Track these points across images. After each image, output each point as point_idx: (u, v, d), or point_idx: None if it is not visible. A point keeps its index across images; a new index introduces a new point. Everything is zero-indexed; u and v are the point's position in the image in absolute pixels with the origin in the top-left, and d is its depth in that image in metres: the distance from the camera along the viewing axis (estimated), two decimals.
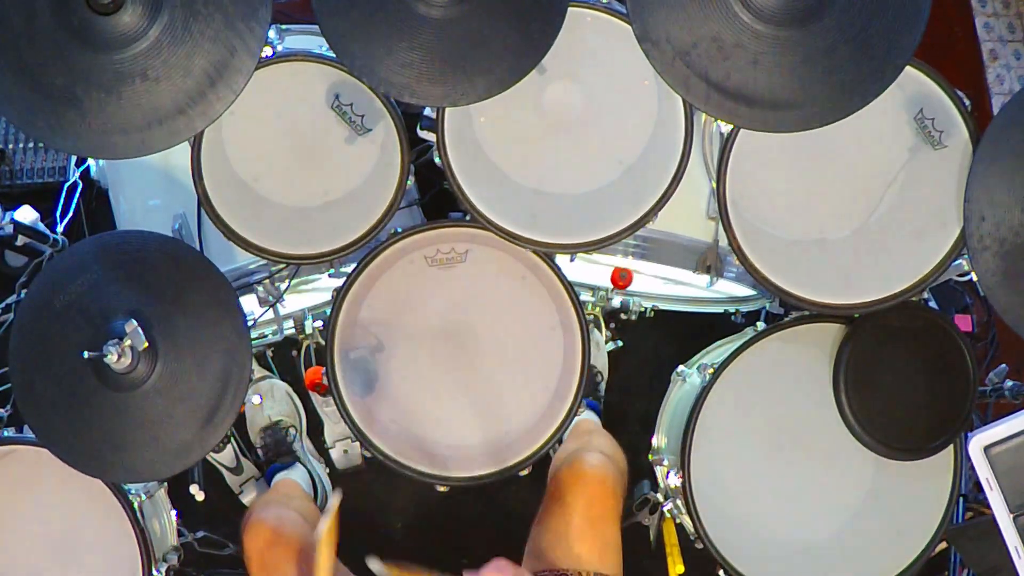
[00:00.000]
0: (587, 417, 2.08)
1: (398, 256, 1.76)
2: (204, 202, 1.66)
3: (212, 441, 1.50)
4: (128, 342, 1.40)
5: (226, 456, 2.06)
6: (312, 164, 1.72)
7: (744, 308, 2.10)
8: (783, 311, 1.96)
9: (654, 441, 1.96)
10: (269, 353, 2.22)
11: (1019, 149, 1.56)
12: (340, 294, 1.72)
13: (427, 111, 1.68)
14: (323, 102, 1.69)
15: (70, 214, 2.29)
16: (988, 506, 1.43)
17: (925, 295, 1.78)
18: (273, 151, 1.72)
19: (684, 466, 1.73)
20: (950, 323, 1.74)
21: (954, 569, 1.80)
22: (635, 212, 1.68)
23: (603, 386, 2.24)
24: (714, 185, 1.68)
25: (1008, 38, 2.81)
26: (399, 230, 1.72)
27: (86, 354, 1.39)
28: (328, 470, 2.19)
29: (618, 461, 1.79)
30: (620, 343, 2.26)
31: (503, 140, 1.71)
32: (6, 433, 1.68)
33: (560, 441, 1.80)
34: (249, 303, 1.79)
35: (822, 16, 1.45)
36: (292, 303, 2.03)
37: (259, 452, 2.17)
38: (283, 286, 1.83)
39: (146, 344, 1.42)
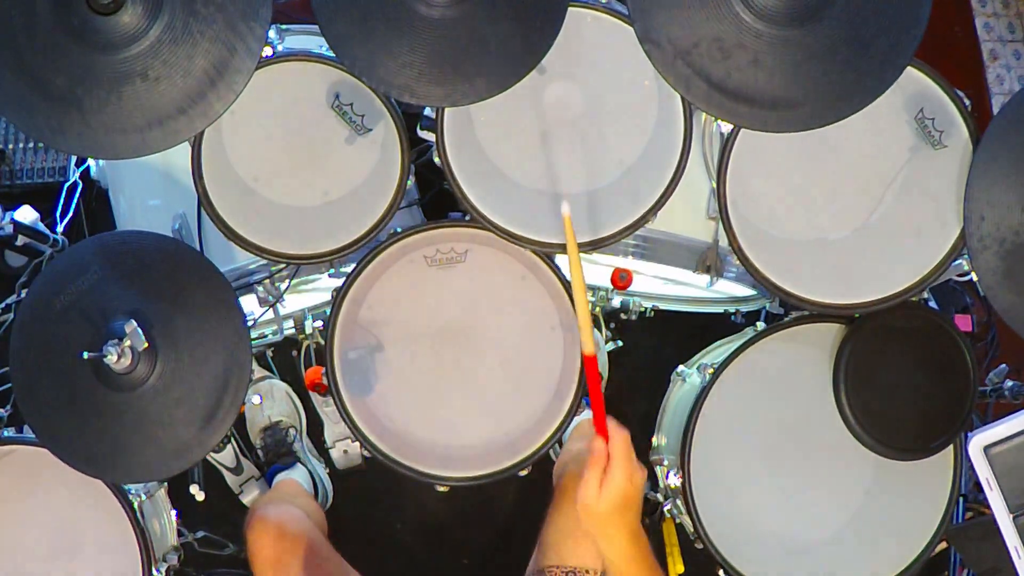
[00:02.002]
0: (589, 417, 2.08)
1: (398, 256, 1.76)
2: (204, 202, 1.66)
3: (212, 441, 1.50)
4: (128, 342, 1.40)
5: (226, 456, 2.06)
6: (312, 164, 1.72)
7: (744, 308, 2.10)
8: (783, 311, 1.96)
9: (654, 441, 1.96)
10: (269, 353, 2.22)
11: (1019, 149, 1.56)
12: (340, 294, 1.72)
13: (427, 111, 1.68)
14: (323, 102, 1.69)
15: (70, 214, 2.29)
16: (988, 506, 1.43)
17: (925, 295, 1.78)
18: (273, 151, 1.72)
19: (684, 466, 1.73)
20: (950, 323, 1.74)
21: (954, 569, 1.80)
22: (635, 212, 1.68)
23: (603, 385, 2.24)
24: (714, 185, 1.68)
25: (1008, 38, 2.81)
26: (399, 230, 1.72)
27: (86, 355, 1.39)
28: (328, 470, 2.20)
29: None
30: (620, 343, 2.26)
31: (503, 140, 1.71)
32: (6, 433, 1.68)
33: (560, 442, 1.80)
34: (249, 303, 1.79)
35: (822, 16, 1.45)
36: (292, 303, 2.03)
37: (259, 452, 2.17)
38: (283, 286, 1.83)
39: (146, 344, 1.42)
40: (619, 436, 1.23)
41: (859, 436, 1.72)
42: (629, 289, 1.97)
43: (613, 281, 1.92)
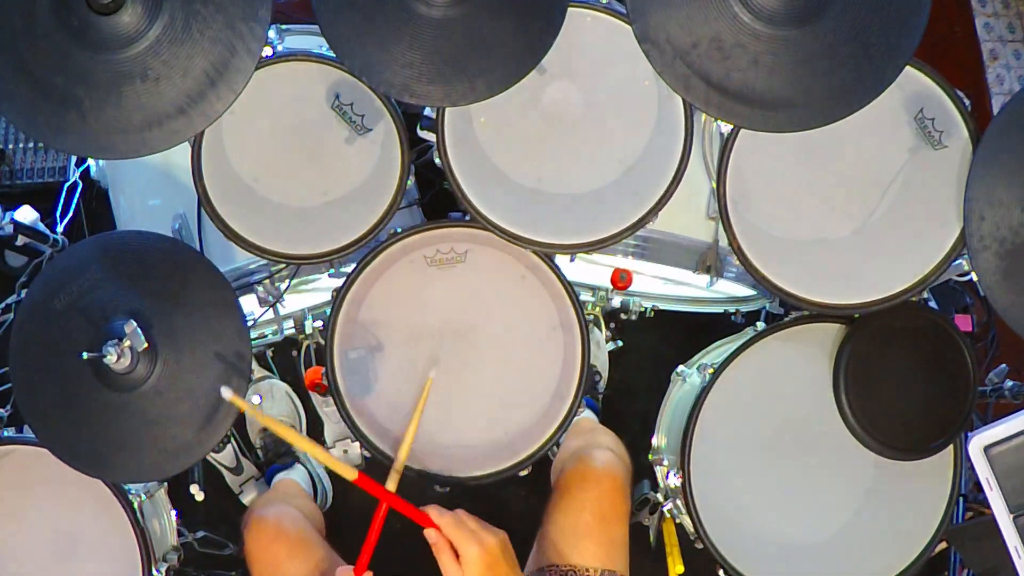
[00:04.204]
0: (586, 416, 2.08)
1: (398, 256, 1.76)
2: (204, 202, 1.66)
3: (212, 441, 1.50)
4: (128, 342, 1.40)
5: (226, 456, 2.07)
6: (312, 164, 1.72)
7: (744, 308, 2.10)
8: (783, 311, 1.96)
9: (654, 441, 1.96)
10: (269, 353, 2.22)
11: (1019, 149, 1.56)
12: (340, 294, 1.72)
13: (427, 111, 1.68)
14: (323, 102, 1.69)
15: (70, 214, 2.29)
16: (988, 506, 1.43)
17: (925, 295, 1.78)
18: (273, 151, 1.72)
19: (684, 466, 1.73)
20: (950, 323, 1.74)
21: (954, 569, 1.80)
22: (635, 212, 1.68)
23: (602, 384, 2.24)
24: (714, 185, 1.68)
25: (1008, 38, 2.81)
26: (399, 230, 1.72)
27: (85, 355, 1.39)
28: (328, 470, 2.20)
29: (624, 458, 1.79)
30: (620, 343, 2.26)
31: (503, 140, 1.71)
32: (6, 433, 1.68)
33: (558, 444, 1.80)
34: (249, 303, 1.79)
35: (822, 16, 1.45)
36: (292, 303, 2.03)
37: (259, 452, 2.18)
38: (283, 286, 1.83)
39: (146, 344, 1.42)
40: (446, 520, 1.35)
41: (859, 436, 1.72)
42: (629, 289, 1.97)
43: (613, 281, 1.92)
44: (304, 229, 1.71)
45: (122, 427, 1.47)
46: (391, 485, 1.46)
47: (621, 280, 1.91)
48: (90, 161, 2.20)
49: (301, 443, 1.44)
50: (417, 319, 1.77)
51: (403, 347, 1.76)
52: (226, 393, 1.32)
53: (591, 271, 1.96)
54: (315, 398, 2.20)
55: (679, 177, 1.66)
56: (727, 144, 1.62)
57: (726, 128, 1.62)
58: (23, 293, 2.11)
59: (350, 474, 1.37)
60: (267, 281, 1.82)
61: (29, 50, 1.42)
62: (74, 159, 2.35)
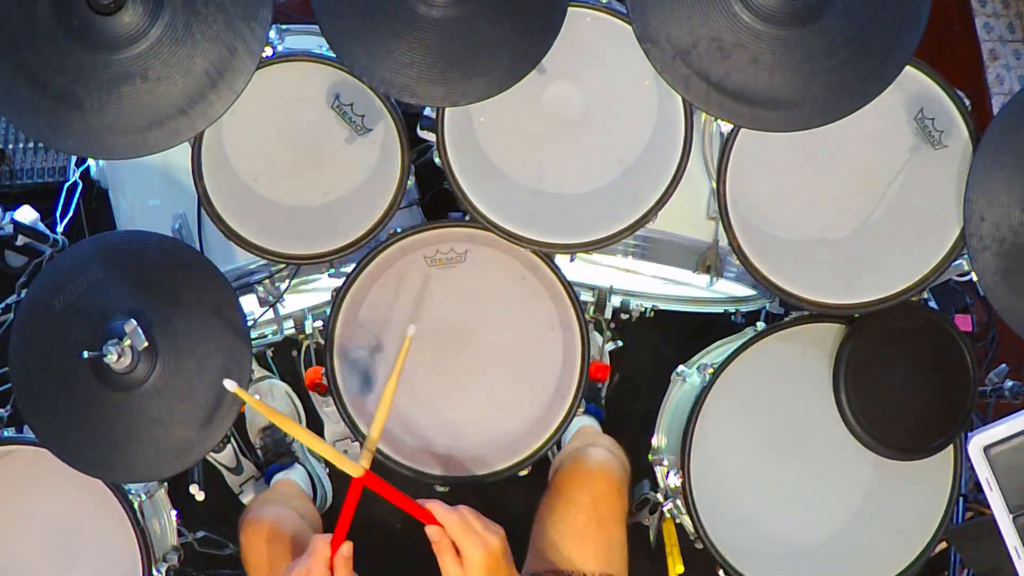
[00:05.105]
0: (589, 423, 2.08)
1: (398, 256, 1.76)
2: (204, 202, 1.66)
3: (212, 441, 1.50)
4: (128, 342, 1.40)
5: (226, 456, 2.07)
6: (312, 164, 1.72)
7: (744, 308, 2.10)
8: (783, 311, 1.96)
9: (654, 441, 1.96)
10: (269, 353, 2.23)
11: (1019, 149, 1.56)
12: (340, 294, 1.72)
13: (427, 111, 1.68)
14: (323, 102, 1.69)
15: (70, 214, 2.30)
16: (988, 506, 1.43)
17: (925, 295, 1.78)
18: (273, 151, 1.72)
19: (684, 466, 1.73)
20: (950, 323, 1.74)
21: (954, 569, 1.80)
22: (635, 212, 1.68)
23: (605, 389, 2.24)
24: (714, 185, 1.68)
25: (1008, 38, 2.81)
26: (399, 230, 1.72)
27: (86, 354, 1.39)
28: (328, 470, 2.20)
29: (622, 459, 1.79)
30: (620, 343, 2.26)
31: (503, 140, 1.71)
32: (6, 433, 1.68)
33: (559, 444, 1.80)
34: (249, 303, 1.79)
35: (822, 16, 1.45)
36: (292, 303, 2.03)
37: (259, 452, 2.18)
38: (283, 286, 1.83)
39: (146, 344, 1.42)
40: (450, 517, 1.29)
41: (859, 436, 1.72)
42: (629, 289, 1.97)
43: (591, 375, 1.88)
44: (304, 229, 1.71)
45: (122, 427, 1.47)
46: (365, 459, 1.40)
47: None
48: (90, 161, 2.20)
49: (301, 435, 1.40)
50: (417, 319, 1.77)
51: None
52: (229, 385, 1.28)
53: (591, 271, 1.96)
54: (315, 398, 2.20)
55: (679, 177, 1.66)
56: (727, 144, 1.62)
57: (726, 128, 1.62)
58: (23, 293, 2.11)
59: (355, 471, 1.34)
60: (267, 281, 1.82)
61: (29, 50, 1.42)
62: (74, 159, 2.35)
